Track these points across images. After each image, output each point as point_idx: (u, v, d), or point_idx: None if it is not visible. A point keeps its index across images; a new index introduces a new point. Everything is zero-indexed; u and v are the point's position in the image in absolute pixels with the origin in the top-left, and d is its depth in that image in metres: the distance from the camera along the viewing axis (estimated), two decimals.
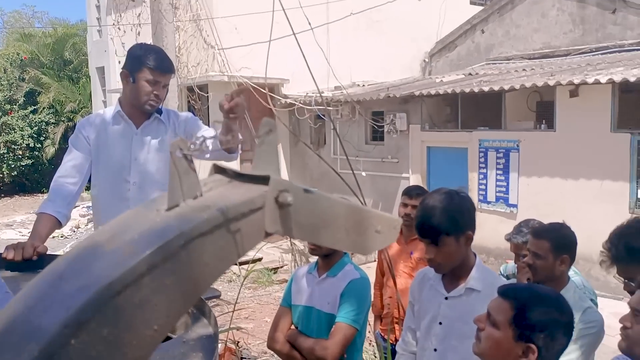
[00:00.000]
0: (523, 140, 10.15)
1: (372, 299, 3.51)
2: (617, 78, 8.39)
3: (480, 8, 15.59)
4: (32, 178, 23.62)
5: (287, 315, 3.25)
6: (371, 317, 3.65)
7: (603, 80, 8.50)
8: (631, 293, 2.19)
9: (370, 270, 3.86)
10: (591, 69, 9.99)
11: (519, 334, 1.84)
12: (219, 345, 3.69)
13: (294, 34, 3.89)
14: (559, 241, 2.90)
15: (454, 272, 2.48)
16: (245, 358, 6.09)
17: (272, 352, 4.30)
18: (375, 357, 5.22)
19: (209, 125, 3.55)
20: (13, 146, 22.29)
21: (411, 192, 4.14)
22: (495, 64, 13.85)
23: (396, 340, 4.03)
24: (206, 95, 12.98)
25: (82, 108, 22.43)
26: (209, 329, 1.83)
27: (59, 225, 2.99)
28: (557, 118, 9.71)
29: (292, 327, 3.23)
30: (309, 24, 6.42)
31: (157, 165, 3.22)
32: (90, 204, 16.28)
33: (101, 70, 18.91)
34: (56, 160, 21.11)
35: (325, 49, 9.25)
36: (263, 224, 0.91)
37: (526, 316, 1.84)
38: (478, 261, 2.50)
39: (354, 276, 3.09)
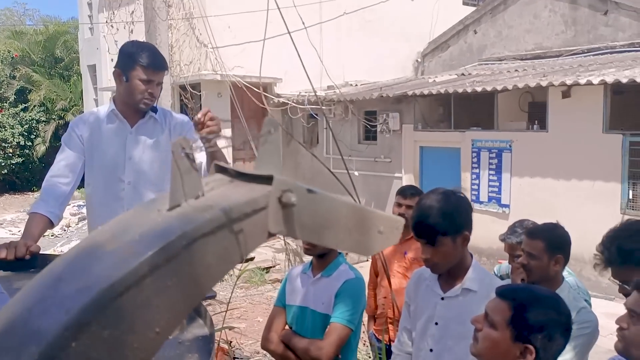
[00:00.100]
0: (515, 141, 10.18)
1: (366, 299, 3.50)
2: (609, 79, 8.42)
3: (473, 9, 15.63)
4: (23, 176, 23.50)
5: (281, 315, 3.23)
6: (364, 317, 3.64)
7: (595, 81, 8.53)
8: (626, 295, 2.18)
9: (363, 270, 3.84)
10: (583, 70, 10.03)
11: (517, 335, 1.83)
12: None
13: (289, 32, 3.88)
14: (553, 241, 2.91)
15: (450, 273, 2.47)
16: (237, 358, 6.07)
17: (265, 352, 4.29)
18: (369, 357, 5.22)
19: None
20: (3, 144, 22.18)
21: (405, 192, 4.13)
22: (487, 64, 13.88)
23: (390, 340, 4.02)
24: (199, 93, 12.95)
25: (73, 106, 22.35)
26: (205, 330, 1.81)
27: (51, 225, 2.96)
28: (550, 119, 9.74)
29: (287, 327, 3.22)
30: (303, 23, 6.41)
31: (151, 164, 3.19)
32: (81, 203, 16.21)
33: (92, 68, 18.83)
34: (47, 159, 21.04)
35: (318, 49, 9.24)
36: (266, 225, 0.90)
37: (524, 317, 1.83)
38: (474, 262, 2.50)
39: (348, 276, 3.08)
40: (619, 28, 11.92)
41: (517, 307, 1.86)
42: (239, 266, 6.15)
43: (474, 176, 10.85)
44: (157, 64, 3.09)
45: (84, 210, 15.79)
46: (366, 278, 3.60)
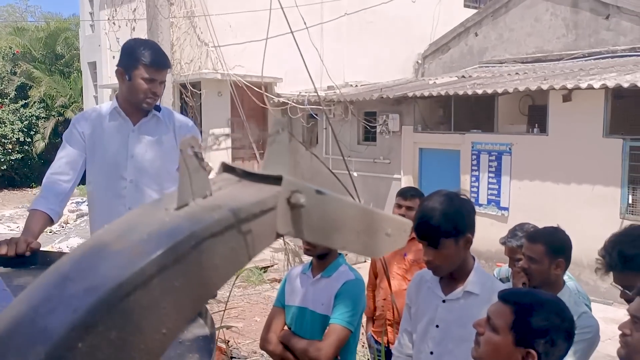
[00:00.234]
0: (516, 144, 10.17)
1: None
2: (611, 84, 8.41)
3: (474, 11, 15.64)
4: (22, 172, 23.46)
5: (281, 315, 3.22)
6: (363, 319, 3.63)
7: (596, 85, 8.53)
8: (628, 301, 2.18)
9: (361, 271, 3.83)
10: (584, 74, 10.02)
11: (519, 339, 1.82)
12: None
13: (291, 32, 3.87)
14: (554, 245, 2.90)
15: (452, 275, 2.46)
16: (235, 357, 6.07)
17: (262, 352, 4.28)
18: (367, 359, 5.20)
19: (201, 121, 3.51)
20: (3, 140, 22.15)
21: (406, 193, 4.13)
22: (488, 67, 13.88)
23: (389, 342, 4.02)
24: (199, 92, 12.95)
25: (72, 103, 22.34)
26: (206, 330, 1.81)
27: (51, 222, 2.95)
28: (550, 122, 9.74)
29: (285, 327, 3.20)
30: (304, 23, 6.41)
31: (153, 163, 3.17)
32: (79, 200, 16.14)
33: (93, 65, 18.82)
34: (46, 155, 21.03)
35: (319, 49, 9.24)
36: (275, 226, 0.89)
37: (527, 321, 1.82)
38: (477, 265, 2.48)
39: (348, 277, 3.06)
40: (620, 32, 11.92)
41: (519, 311, 1.85)
42: None
43: (474, 179, 10.84)
44: (160, 62, 3.06)
45: (83, 207, 15.79)
46: (365, 279, 3.59)
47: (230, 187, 0.94)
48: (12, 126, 22.16)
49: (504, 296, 1.92)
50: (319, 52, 8.50)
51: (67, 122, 19.25)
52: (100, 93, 18.18)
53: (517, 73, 11.86)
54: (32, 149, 22.65)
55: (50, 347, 0.67)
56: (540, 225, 3.20)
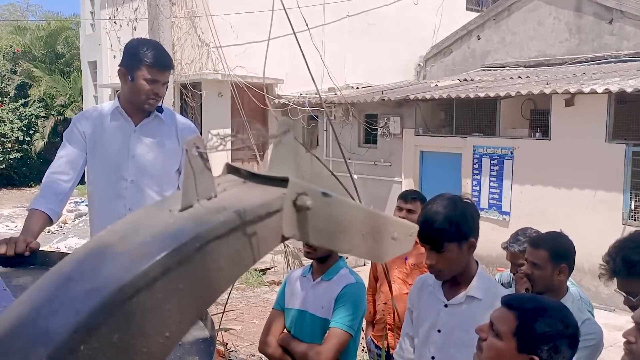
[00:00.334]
0: (517, 148, 10.15)
1: None
2: (614, 88, 8.39)
3: (477, 14, 15.62)
4: (21, 171, 23.45)
5: (280, 318, 3.19)
6: (363, 323, 3.61)
7: (599, 90, 8.50)
8: (632, 308, 2.16)
9: (361, 275, 3.82)
10: (587, 78, 10.00)
11: (523, 346, 1.80)
12: None
13: (294, 33, 3.86)
14: (557, 250, 2.87)
15: (454, 280, 2.44)
16: None
17: (261, 355, 4.25)
18: None
19: (201, 121, 3.50)
20: (2, 139, 22.15)
21: (407, 196, 4.11)
22: (490, 70, 13.86)
23: (389, 346, 3.99)
24: (199, 92, 12.94)
25: (72, 102, 22.35)
26: (205, 332, 1.79)
27: (50, 222, 2.93)
28: (552, 127, 9.71)
29: (285, 331, 3.18)
30: (306, 24, 6.39)
31: (155, 164, 3.15)
32: (78, 200, 16.12)
33: (93, 65, 18.81)
34: (45, 154, 21.02)
35: (320, 50, 9.24)
36: (280, 228, 0.87)
37: (530, 327, 1.80)
38: (480, 270, 2.46)
39: (349, 281, 3.04)
40: (623, 37, 11.90)
41: (523, 317, 1.82)
42: None
43: (475, 182, 10.81)
44: (163, 63, 3.02)
45: (81, 207, 15.78)
46: (365, 283, 3.57)
47: (235, 188, 0.93)
48: (12, 125, 22.17)
49: (507, 301, 1.90)
50: (320, 54, 8.50)
51: (66, 121, 19.27)
52: (100, 92, 18.17)
53: (519, 77, 11.84)
54: (31, 148, 22.66)
55: (52, 349, 0.66)
56: (542, 230, 3.18)
